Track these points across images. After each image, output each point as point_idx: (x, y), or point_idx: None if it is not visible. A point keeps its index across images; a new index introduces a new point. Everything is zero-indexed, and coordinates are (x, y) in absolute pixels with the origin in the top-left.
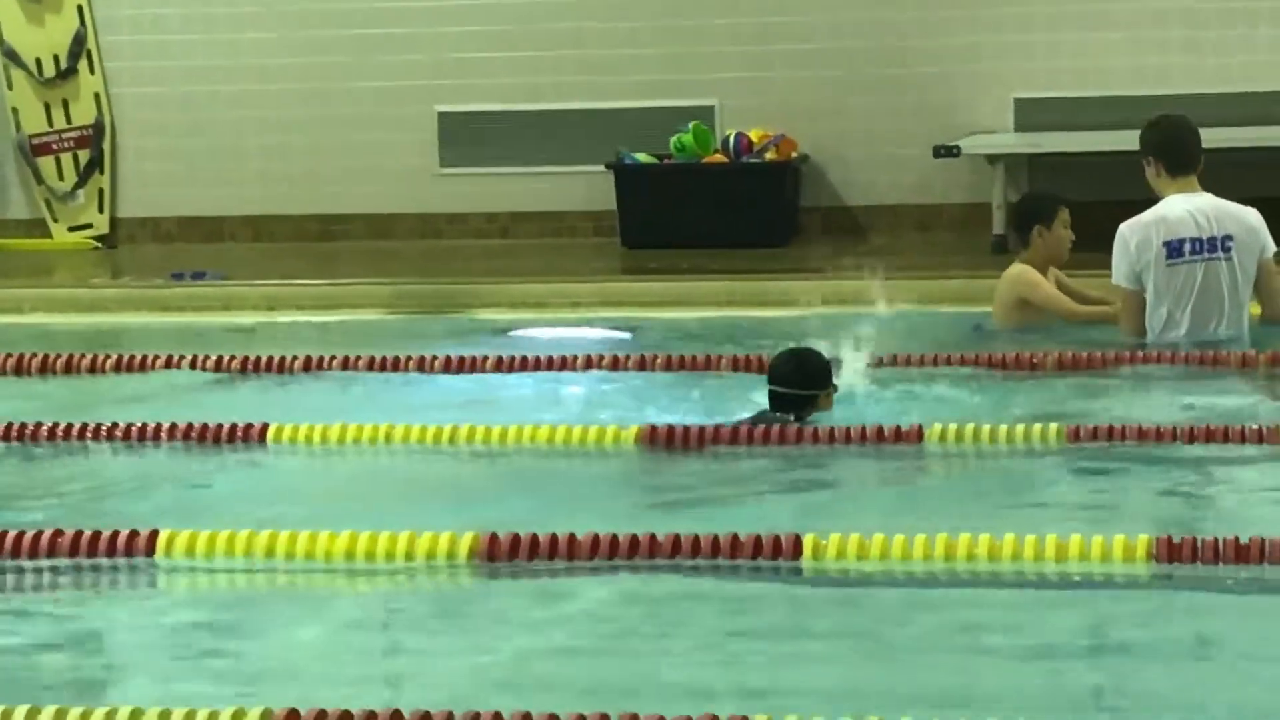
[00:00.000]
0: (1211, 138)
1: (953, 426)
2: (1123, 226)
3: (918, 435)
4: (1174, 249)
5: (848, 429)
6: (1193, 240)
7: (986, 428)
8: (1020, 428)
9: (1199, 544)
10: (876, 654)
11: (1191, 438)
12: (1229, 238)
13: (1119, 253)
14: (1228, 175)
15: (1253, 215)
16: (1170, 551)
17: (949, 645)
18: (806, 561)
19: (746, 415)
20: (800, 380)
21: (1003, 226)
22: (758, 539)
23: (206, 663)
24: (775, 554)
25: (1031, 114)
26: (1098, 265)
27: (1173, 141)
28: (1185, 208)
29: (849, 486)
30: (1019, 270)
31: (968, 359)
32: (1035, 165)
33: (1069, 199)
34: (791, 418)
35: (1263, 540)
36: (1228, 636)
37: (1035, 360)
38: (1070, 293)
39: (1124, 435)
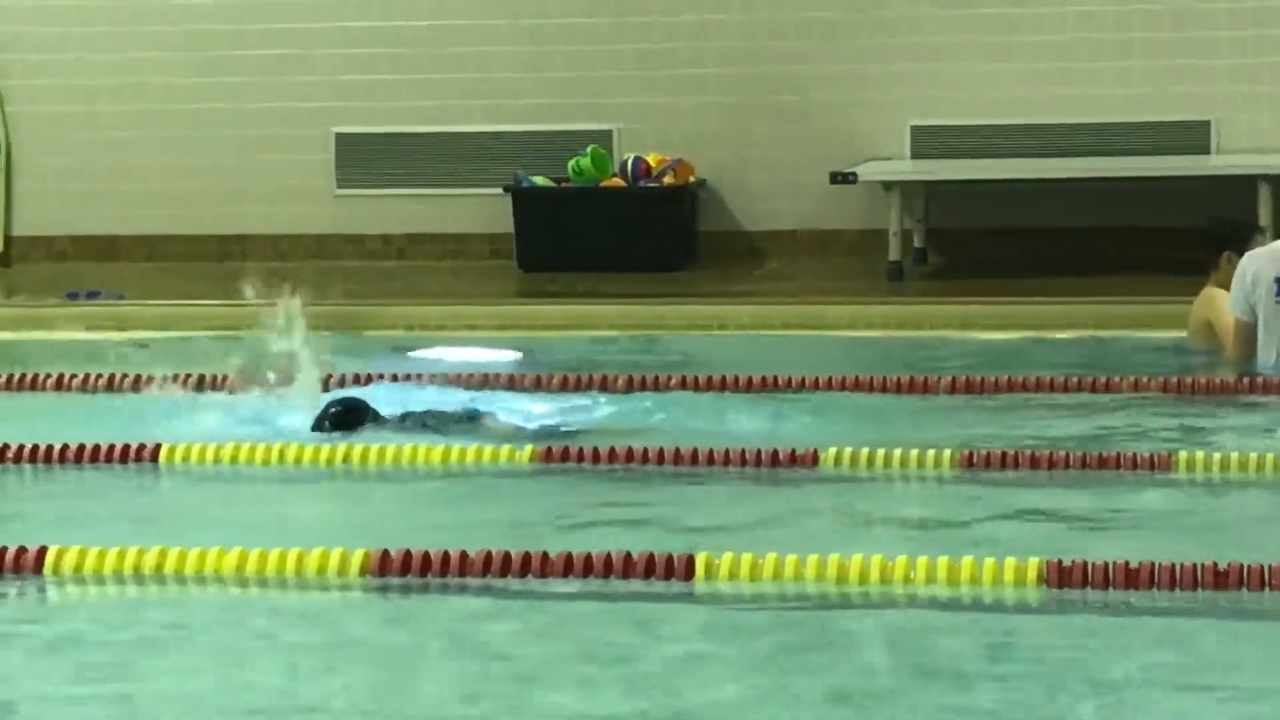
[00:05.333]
0: (1102, 167)
1: (847, 450)
2: (1244, 257)
3: (813, 459)
4: None
5: (742, 451)
6: None
7: (881, 452)
8: (914, 453)
9: (1089, 568)
10: (770, 676)
11: (1085, 464)
12: None
13: (1235, 282)
14: (1120, 203)
15: None
16: (1061, 576)
17: (843, 666)
18: (699, 582)
19: None
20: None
21: (898, 253)
22: (650, 558)
23: (99, 681)
24: (668, 574)
25: (928, 141)
26: (996, 291)
27: None
28: None
29: (745, 508)
30: (1210, 293)
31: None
32: (932, 193)
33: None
34: None
35: (1153, 565)
36: (1120, 661)
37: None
38: None
39: (1017, 462)
